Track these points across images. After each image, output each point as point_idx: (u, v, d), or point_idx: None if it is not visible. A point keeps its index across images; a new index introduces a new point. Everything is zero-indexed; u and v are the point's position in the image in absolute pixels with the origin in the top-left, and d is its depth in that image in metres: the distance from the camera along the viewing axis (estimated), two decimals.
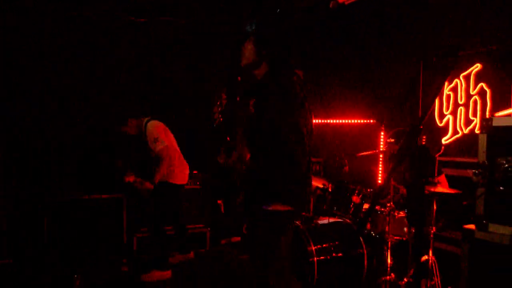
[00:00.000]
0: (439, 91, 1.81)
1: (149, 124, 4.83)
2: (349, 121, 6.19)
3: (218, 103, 3.00)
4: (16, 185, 5.39)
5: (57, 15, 5.71)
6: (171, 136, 5.01)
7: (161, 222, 4.96)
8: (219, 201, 6.31)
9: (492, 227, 2.27)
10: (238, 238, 6.13)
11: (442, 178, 4.51)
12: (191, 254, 5.33)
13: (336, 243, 4.34)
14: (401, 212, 4.43)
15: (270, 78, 2.71)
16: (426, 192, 4.10)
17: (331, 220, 4.53)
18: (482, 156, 2.31)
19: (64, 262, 4.58)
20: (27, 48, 5.60)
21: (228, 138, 3.00)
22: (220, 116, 2.99)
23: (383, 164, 5.70)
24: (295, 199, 2.69)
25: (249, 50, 2.74)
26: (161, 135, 4.74)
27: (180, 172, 4.99)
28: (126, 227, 5.50)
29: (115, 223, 5.48)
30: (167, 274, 4.82)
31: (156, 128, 4.79)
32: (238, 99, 4.71)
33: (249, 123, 2.81)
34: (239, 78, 5.11)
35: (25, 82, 5.60)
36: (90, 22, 5.92)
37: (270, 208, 2.69)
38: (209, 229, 5.77)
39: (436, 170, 3.99)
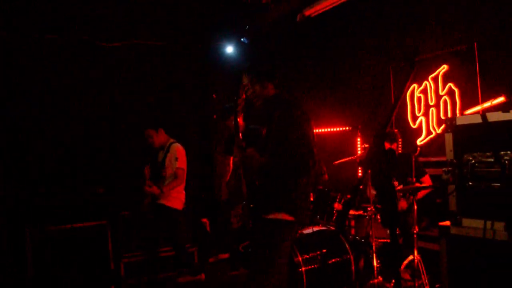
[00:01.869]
0: (401, 95, 1.90)
1: (174, 144, 5.12)
2: (326, 129, 6.29)
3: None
4: None
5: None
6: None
7: (154, 244, 4.95)
8: (204, 219, 6.32)
9: (466, 222, 2.34)
10: (226, 255, 6.12)
11: (426, 178, 4.61)
12: (202, 276, 5.30)
13: (323, 251, 4.38)
14: None
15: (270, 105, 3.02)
16: (400, 193, 4.21)
17: (316, 228, 4.57)
18: (449, 154, 2.39)
19: None
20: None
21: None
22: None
23: (362, 170, 5.79)
24: (298, 211, 2.78)
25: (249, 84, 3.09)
26: (182, 157, 5.03)
27: (177, 197, 5.05)
28: (112, 253, 5.46)
29: (100, 249, 5.45)
30: None
31: (180, 150, 5.07)
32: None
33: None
34: (214, 96, 5.19)
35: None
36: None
37: (272, 217, 2.78)
38: (196, 247, 5.75)
39: (413, 171, 4.08)
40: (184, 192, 5.17)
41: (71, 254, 5.11)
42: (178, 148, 5.08)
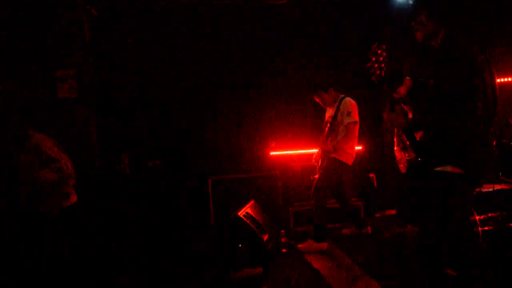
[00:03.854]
0: None
1: (346, 98, 5.11)
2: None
3: (374, 59, 3.04)
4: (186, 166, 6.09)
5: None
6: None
7: (323, 194, 5.06)
8: (371, 174, 6.24)
9: None
10: (393, 211, 5.99)
11: None
12: (368, 230, 5.29)
13: (504, 212, 3.97)
14: None
15: (448, 45, 2.73)
16: None
17: (497, 187, 4.15)
18: None
19: (228, 232, 5.00)
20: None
21: (394, 95, 3.05)
22: (379, 70, 3.03)
23: None
24: (471, 163, 2.58)
25: (424, 24, 2.80)
26: (354, 111, 5.02)
27: (348, 153, 5.07)
28: (281, 201, 5.80)
29: (271, 198, 5.82)
30: (324, 245, 4.93)
31: (352, 104, 5.06)
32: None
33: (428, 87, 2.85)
34: (383, 47, 4.96)
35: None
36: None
37: (439, 169, 2.63)
38: (362, 202, 5.75)
39: None
40: (355, 147, 5.15)
41: (245, 200, 5.53)
42: (350, 102, 5.04)
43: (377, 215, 6.09)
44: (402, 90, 4.93)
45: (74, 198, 4.09)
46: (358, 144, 6.00)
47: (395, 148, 4.41)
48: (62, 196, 3.99)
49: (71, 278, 3.71)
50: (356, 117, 5.00)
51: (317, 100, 5.21)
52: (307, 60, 6.67)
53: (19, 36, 4.92)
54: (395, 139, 4.41)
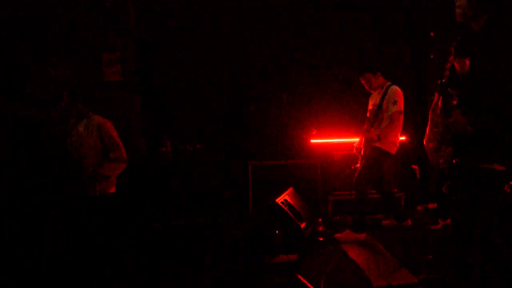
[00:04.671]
0: None
1: (392, 86, 4.99)
2: None
3: (449, 64, 2.96)
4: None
5: None
6: None
7: (364, 184, 4.99)
8: (414, 166, 6.09)
9: None
10: (435, 205, 5.82)
11: None
12: (408, 222, 5.19)
13: None
14: None
15: (490, 27, 2.50)
16: None
17: None
18: None
19: (265, 218, 5.02)
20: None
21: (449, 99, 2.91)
22: (444, 78, 2.95)
23: None
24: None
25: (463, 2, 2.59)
26: (400, 100, 4.89)
27: (392, 142, 4.97)
28: (321, 189, 5.76)
29: (310, 185, 5.79)
30: (361, 236, 4.86)
31: (398, 92, 4.94)
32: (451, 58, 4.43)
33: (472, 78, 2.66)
34: (431, 34, 4.78)
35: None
36: None
37: (485, 166, 2.48)
38: (403, 193, 5.62)
39: None
40: (399, 136, 5.03)
41: (284, 187, 5.54)
42: (397, 91, 4.91)
43: (419, 207, 5.94)
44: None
45: (113, 188, 4.17)
46: (402, 135, 5.87)
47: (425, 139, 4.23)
48: (110, 182, 4.07)
49: (71, 278, 3.70)
50: (402, 106, 4.87)
51: (363, 82, 5.09)
52: (354, 47, 6.58)
53: (68, 23, 5.09)
54: (427, 130, 4.22)
